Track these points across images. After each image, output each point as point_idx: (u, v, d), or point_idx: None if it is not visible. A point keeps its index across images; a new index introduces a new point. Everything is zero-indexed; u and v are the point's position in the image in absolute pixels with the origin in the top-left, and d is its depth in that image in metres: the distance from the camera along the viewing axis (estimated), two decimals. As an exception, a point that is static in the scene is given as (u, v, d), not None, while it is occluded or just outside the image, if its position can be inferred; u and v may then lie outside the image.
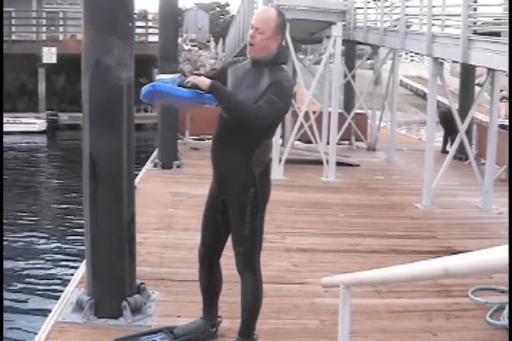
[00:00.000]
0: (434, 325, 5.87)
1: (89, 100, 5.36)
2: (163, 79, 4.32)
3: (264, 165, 4.63)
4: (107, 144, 5.40)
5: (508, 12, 8.80)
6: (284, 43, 4.63)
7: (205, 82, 4.25)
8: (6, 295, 9.59)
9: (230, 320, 5.27)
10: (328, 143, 14.57)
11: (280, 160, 13.78)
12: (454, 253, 2.59)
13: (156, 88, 4.28)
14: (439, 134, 18.09)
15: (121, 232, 5.52)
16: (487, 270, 2.11)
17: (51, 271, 10.95)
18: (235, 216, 4.64)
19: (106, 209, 5.46)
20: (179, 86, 4.32)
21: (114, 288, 5.57)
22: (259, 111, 4.24)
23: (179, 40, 27.43)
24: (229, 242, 4.79)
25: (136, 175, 12.82)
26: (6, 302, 9.31)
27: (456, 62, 11.59)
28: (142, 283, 5.91)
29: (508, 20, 8.62)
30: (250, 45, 4.46)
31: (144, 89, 4.36)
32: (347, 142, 19.99)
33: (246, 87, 4.45)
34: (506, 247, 1.95)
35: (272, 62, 4.50)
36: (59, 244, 12.61)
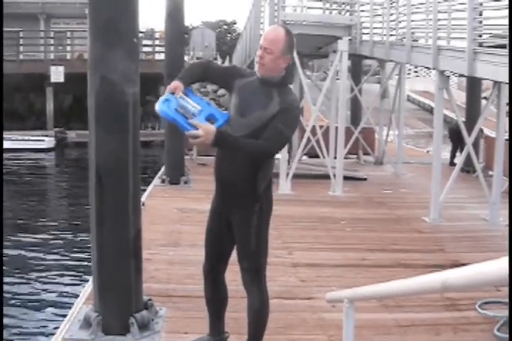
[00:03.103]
0: (442, 339, 5.86)
1: (95, 115, 5.39)
2: (185, 104, 4.21)
3: (268, 180, 4.64)
4: (113, 159, 5.43)
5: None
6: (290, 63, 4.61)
7: (209, 138, 4.07)
8: (13, 311, 9.61)
9: (237, 335, 5.26)
10: (335, 158, 14.57)
11: (288, 175, 13.79)
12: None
13: (176, 124, 4.20)
14: (447, 146, 18.11)
15: (127, 246, 5.53)
16: (485, 283, 2.11)
17: (59, 288, 10.94)
18: (240, 232, 4.64)
19: (112, 223, 5.47)
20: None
21: (122, 305, 5.57)
22: (267, 145, 4.28)
23: (186, 58, 27.51)
24: (234, 257, 4.79)
25: (144, 191, 12.85)
26: (13, 319, 9.33)
27: (462, 75, 11.60)
28: (150, 300, 5.91)
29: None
30: (259, 64, 4.43)
31: (163, 105, 4.22)
32: (354, 156, 20.02)
33: (254, 107, 4.42)
34: (504, 259, 1.95)
35: (280, 83, 4.50)
36: (67, 261, 12.62)
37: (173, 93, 4.26)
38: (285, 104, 4.40)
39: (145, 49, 36.20)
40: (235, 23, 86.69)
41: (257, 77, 4.54)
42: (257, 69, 4.49)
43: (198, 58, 53.39)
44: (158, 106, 4.22)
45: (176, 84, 4.31)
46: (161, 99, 4.26)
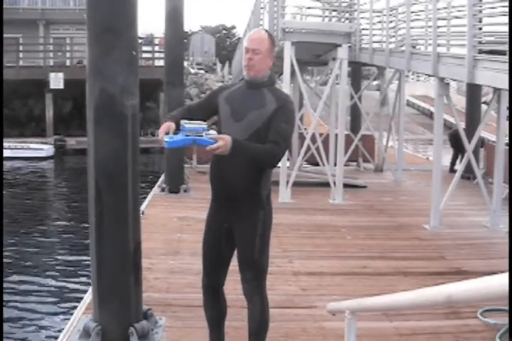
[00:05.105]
0: (443, 348, 5.84)
1: (94, 128, 5.36)
2: (193, 127, 4.20)
3: (269, 188, 4.66)
4: (112, 171, 5.40)
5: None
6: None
7: (228, 147, 4.07)
8: (12, 320, 9.58)
9: (237, 345, 5.25)
10: (335, 165, 14.56)
11: (287, 183, 13.76)
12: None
13: (197, 142, 4.15)
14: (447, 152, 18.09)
15: (127, 260, 5.50)
16: (491, 297, 2.09)
17: (58, 297, 10.91)
18: (244, 241, 4.62)
19: (111, 236, 5.44)
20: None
21: (121, 315, 5.54)
22: (278, 149, 4.33)
23: (185, 63, 27.51)
24: (234, 267, 4.76)
25: (144, 199, 12.83)
26: (12, 328, 9.30)
27: (462, 81, 11.59)
28: (149, 309, 5.89)
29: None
30: (249, 67, 4.55)
31: (174, 139, 4.18)
32: (354, 163, 20.01)
33: (250, 108, 4.50)
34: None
35: (268, 82, 4.63)
36: (66, 270, 12.59)
37: (167, 133, 4.28)
38: (281, 101, 4.52)
39: (144, 55, 36.22)
40: (234, 28, 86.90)
41: (244, 83, 4.67)
42: (245, 73, 4.61)
43: (197, 63, 53.49)
44: (167, 145, 4.21)
45: (165, 125, 4.36)
46: (164, 140, 4.24)
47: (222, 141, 4.05)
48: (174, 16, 14.23)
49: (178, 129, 4.25)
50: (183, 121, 4.19)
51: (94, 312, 5.66)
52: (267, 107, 4.46)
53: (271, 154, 4.30)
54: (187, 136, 4.11)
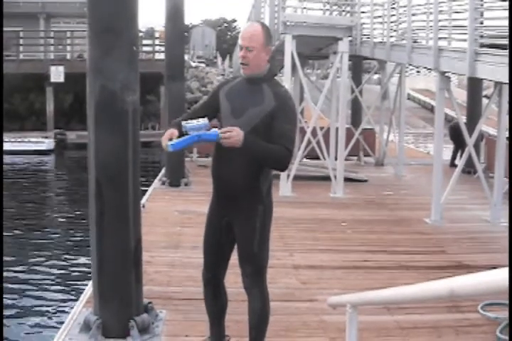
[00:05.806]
0: (443, 341, 5.83)
1: (95, 124, 5.35)
2: (193, 125, 4.19)
3: (269, 182, 4.65)
4: (113, 167, 5.39)
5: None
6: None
7: (240, 139, 4.10)
8: (12, 314, 9.57)
9: (238, 338, 5.24)
10: (336, 159, 14.54)
11: (288, 177, 13.74)
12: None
13: (202, 138, 4.13)
14: (448, 146, 18.06)
15: (128, 258, 5.50)
16: (493, 291, 2.08)
17: (58, 291, 10.91)
18: (243, 235, 4.62)
19: (112, 235, 5.44)
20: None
21: (121, 309, 5.54)
22: (287, 152, 4.32)
23: (186, 57, 27.43)
24: (234, 260, 4.76)
25: (144, 193, 12.81)
26: (13, 322, 9.30)
27: (463, 75, 11.56)
28: (150, 303, 5.88)
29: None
30: (244, 65, 4.49)
31: (176, 142, 4.20)
32: (355, 157, 19.97)
33: (249, 105, 4.48)
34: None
35: (267, 77, 4.58)
36: (67, 263, 12.59)
37: (171, 139, 4.28)
38: (280, 98, 4.47)
39: (145, 48, 36.17)
40: (235, 21, 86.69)
41: (243, 78, 4.62)
42: (242, 71, 4.57)
43: (198, 57, 53.41)
44: (172, 147, 4.20)
45: (168, 132, 4.35)
46: (167, 145, 4.23)
47: (235, 131, 4.09)
48: (175, 9, 14.19)
49: (181, 136, 4.25)
50: (183, 122, 4.18)
51: (95, 305, 5.66)
52: (266, 104, 4.44)
53: (280, 155, 4.30)
54: (187, 134, 4.12)
